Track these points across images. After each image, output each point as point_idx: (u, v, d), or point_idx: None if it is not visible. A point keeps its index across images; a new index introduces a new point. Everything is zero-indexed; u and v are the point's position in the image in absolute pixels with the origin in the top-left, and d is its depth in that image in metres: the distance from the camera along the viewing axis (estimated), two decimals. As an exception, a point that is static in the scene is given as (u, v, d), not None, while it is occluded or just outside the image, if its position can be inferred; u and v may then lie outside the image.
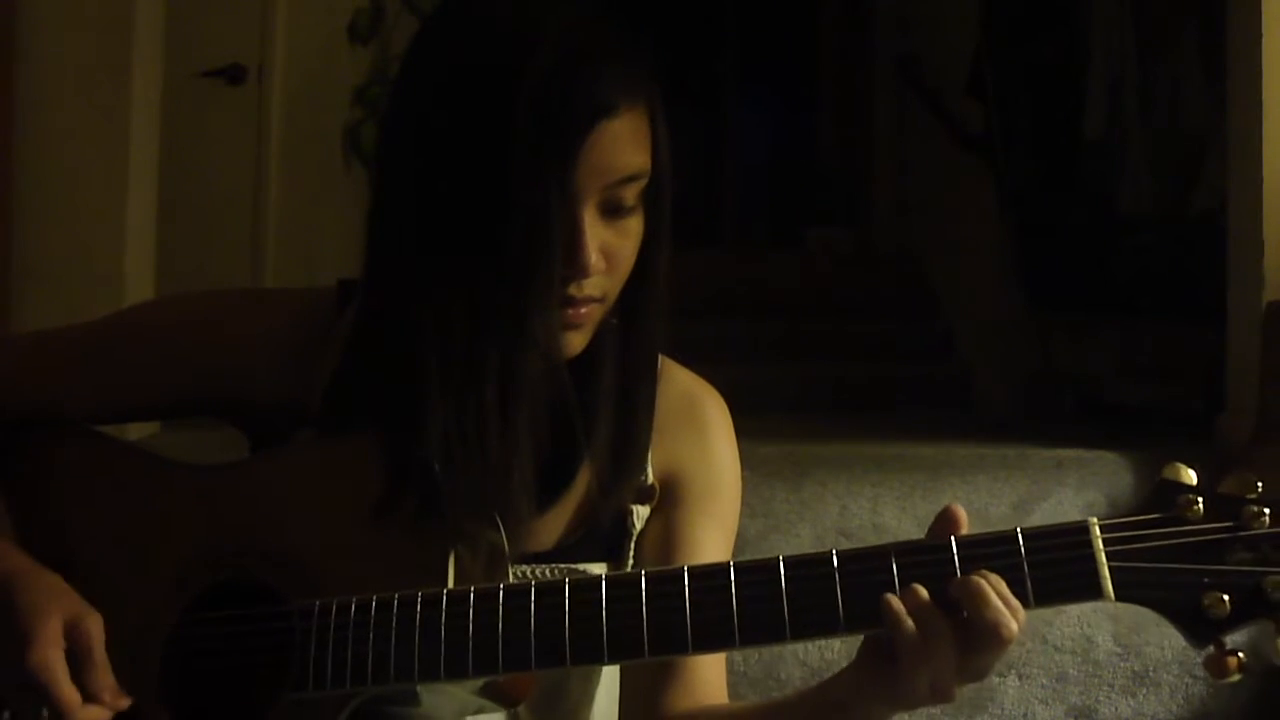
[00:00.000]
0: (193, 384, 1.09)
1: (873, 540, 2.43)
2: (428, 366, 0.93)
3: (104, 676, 0.93)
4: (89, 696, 0.92)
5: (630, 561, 1.09)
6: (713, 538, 1.10)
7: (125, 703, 0.94)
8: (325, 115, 4.03)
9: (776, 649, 2.00)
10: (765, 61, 7.34)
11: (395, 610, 0.90)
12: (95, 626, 0.94)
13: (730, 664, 1.98)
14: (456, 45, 0.95)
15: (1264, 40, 2.55)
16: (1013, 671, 2.00)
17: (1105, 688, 2.02)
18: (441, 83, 0.94)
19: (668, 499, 1.10)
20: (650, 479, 1.08)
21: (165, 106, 2.98)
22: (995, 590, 0.84)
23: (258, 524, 0.98)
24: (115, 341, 1.12)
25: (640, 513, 1.08)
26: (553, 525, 1.06)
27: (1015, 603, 0.85)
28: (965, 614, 0.85)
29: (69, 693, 0.91)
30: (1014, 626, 0.84)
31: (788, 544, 2.64)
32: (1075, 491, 2.67)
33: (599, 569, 1.07)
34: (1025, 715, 1.99)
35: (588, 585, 0.89)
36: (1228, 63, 2.74)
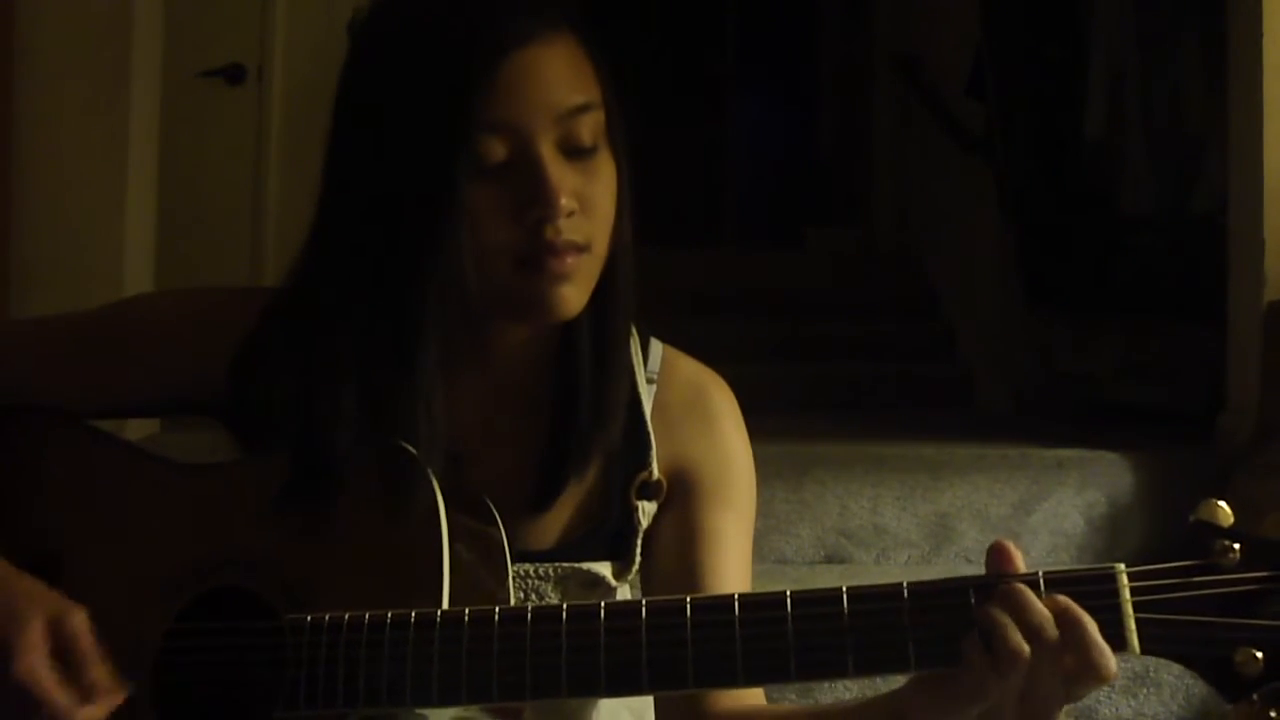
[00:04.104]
0: (183, 379, 1.05)
1: (872, 540, 2.45)
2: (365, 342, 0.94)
3: (97, 670, 0.90)
4: (85, 693, 0.89)
5: (637, 559, 1.07)
6: (732, 527, 1.08)
7: (124, 694, 0.91)
8: (325, 115, 4.00)
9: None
10: (765, 61, 7.34)
11: (388, 632, 0.88)
12: (80, 621, 0.91)
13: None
14: (386, 26, 1.03)
15: (1264, 41, 2.55)
16: (1013, 672, 1.99)
17: (1106, 688, 2.02)
18: (371, 57, 1.01)
19: (681, 493, 1.08)
20: (656, 474, 1.06)
21: (164, 106, 2.98)
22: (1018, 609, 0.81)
23: (248, 527, 0.96)
24: (109, 332, 1.09)
25: (646, 509, 1.06)
26: (554, 523, 1.05)
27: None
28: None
29: (60, 698, 0.88)
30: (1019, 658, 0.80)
31: (788, 544, 2.64)
32: (1076, 491, 2.67)
33: (603, 568, 1.06)
34: (1026, 716, 1.99)
35: (585, 614, 0.87)
36: (1229, 63, 2.74)
